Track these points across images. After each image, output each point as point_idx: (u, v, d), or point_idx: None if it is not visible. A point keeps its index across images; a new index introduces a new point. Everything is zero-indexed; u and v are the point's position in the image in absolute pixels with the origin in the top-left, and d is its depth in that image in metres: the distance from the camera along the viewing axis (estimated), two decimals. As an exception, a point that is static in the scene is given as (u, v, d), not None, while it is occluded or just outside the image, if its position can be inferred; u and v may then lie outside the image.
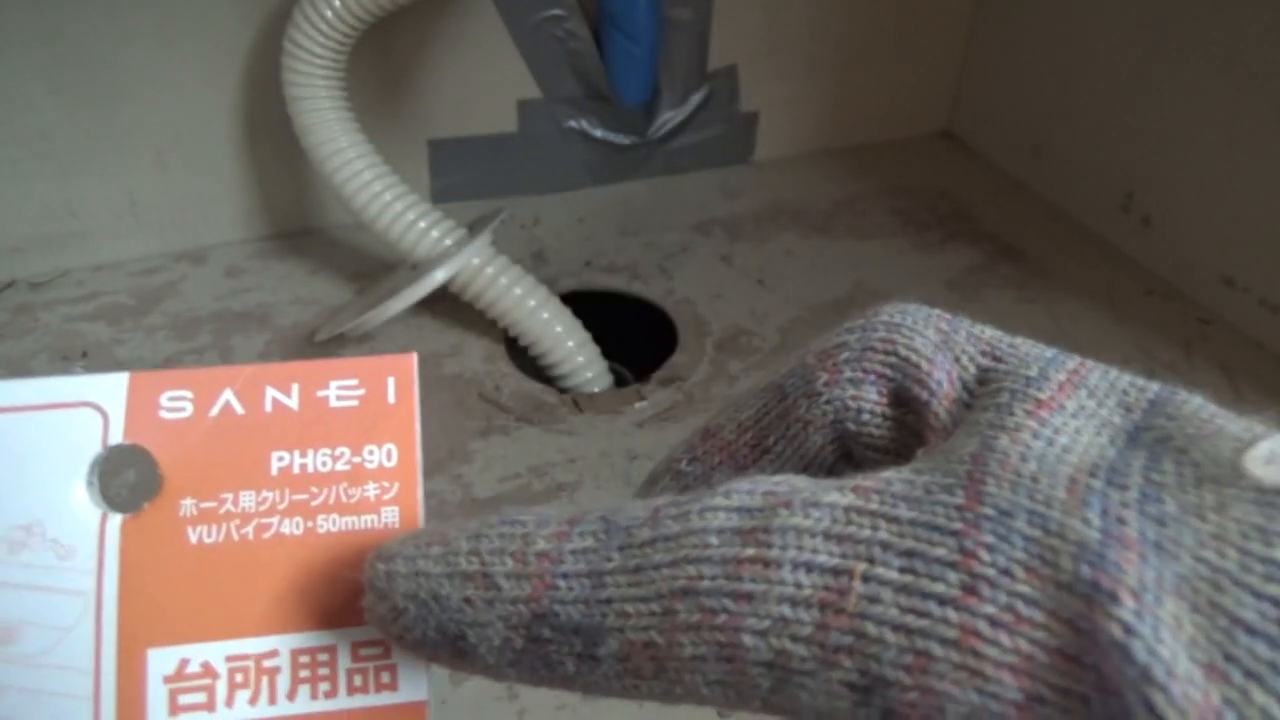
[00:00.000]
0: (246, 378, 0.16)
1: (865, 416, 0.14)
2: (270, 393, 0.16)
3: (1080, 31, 0.72)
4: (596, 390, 0.58)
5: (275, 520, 0.16)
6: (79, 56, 0.59)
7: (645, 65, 0.70)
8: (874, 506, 0.11)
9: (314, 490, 0.16)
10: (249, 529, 0.16)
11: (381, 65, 0.65)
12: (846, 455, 0.14)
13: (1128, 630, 0.09)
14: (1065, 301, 0.66)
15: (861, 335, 0.13)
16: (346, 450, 0.16)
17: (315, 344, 0.58)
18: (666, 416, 0.56)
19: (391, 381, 0.17)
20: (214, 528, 0.16)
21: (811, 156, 0.82)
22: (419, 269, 0.57)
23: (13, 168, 0.60)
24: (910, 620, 0.10)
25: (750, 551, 0.11)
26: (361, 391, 0.17)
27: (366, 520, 0.16)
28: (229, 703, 0.15)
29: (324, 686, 0.16)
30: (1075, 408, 0.12)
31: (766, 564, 0.11)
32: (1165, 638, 0.09)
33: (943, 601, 0.10)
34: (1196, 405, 0.13)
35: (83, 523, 0.16)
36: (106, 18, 0.58)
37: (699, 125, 0.77)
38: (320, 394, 0.17)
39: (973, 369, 0.13)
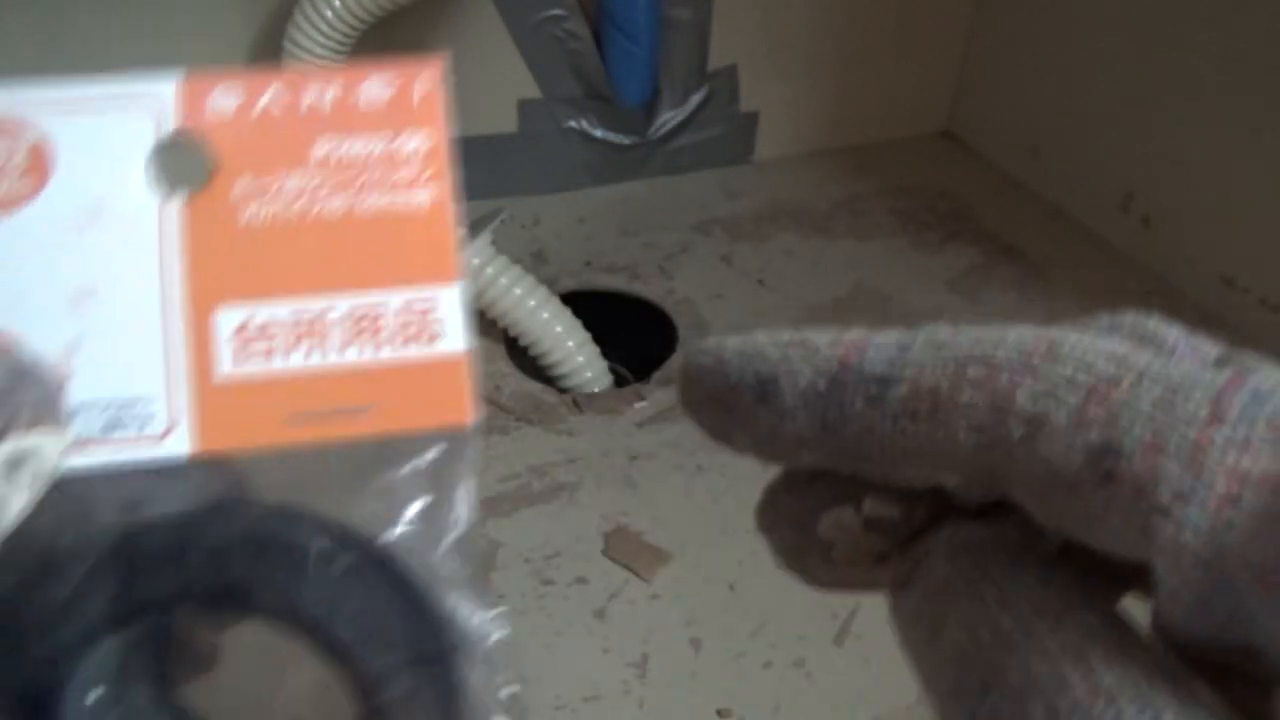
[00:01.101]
0: (290, 76, 0.18)
1: None
2: (312, 88, 0.18)
3: (1080, 32, 0.72)
4: (596, 390, 0.58)
5: (320, 200, 0.18)
6: (78, 57, 0.59)
7: (645, 65, 0.70)
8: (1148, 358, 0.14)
9: (353, 173, 0.18)
10: (296, 208, 0.18)
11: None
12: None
13: None
14: (1065, 301, 0.66)
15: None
16: (382, 139, 0.18)
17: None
18: (666, 416, 0.56)
19: (421, 80, 0.19)
20: (265, 205, 0.17)
21: (811, 156, 0.82)
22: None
23: (13, 168, 0.60)
24: (1159, 416, 0.13)
25: (1043, 347, 0.14)
26: (395, 88, 0.19)
27: (402, 199, 0.18)
28: (290, 353, 0.17)
29: (374, 339, 0.17)
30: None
31: (1054, 358, 0.14)
32: None
33: (1189, 421, 0.13)
34: None
35: (144, 205, 0.17)
36: (106, 18, 0.58)
37: (699, 125, 0.77)
38: (357, 90, 0.18)
39: None
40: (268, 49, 0.60)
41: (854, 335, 0.16)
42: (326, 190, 0.18)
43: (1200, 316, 0.65)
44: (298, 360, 0.17)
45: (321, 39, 0.54)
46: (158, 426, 0.17)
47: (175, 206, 0.17)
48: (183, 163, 0.18)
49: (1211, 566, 0.12)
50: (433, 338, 0.18)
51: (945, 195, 0.77)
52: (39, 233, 0.17)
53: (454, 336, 0.18)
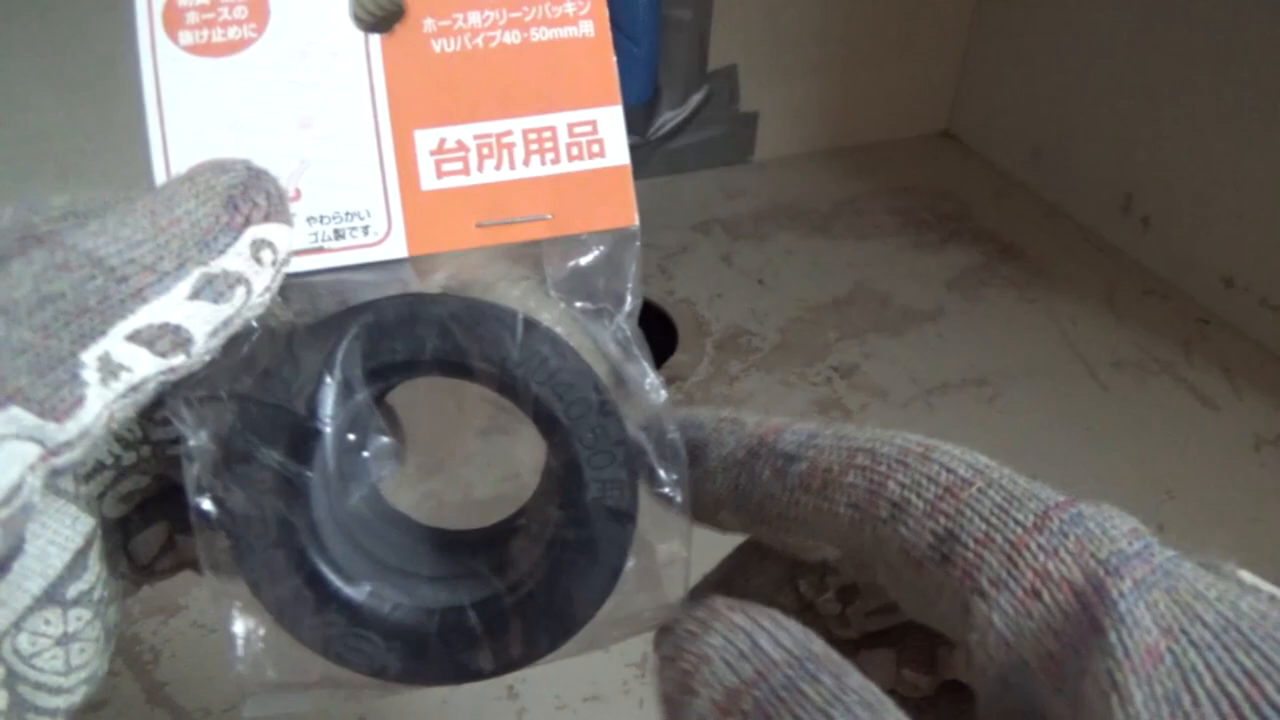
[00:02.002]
0: None
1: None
2: None
3: (1080, 32, 0.72)
4: (596, 390, 0.58)
5: (498, 33, 0.20)
6: (79, 56, 0.59)
7: (645, 65, 0.70)
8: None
9: (525, 8, 0.21)
10: (479, 39, 0.20)
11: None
12: None
13: (1121, 594, 0.14)
14: (1065, 301, 0.66)
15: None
16: None
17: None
18: (666, 416, 0.55)
19: None
20: (451, 40, 0.20)
21: (811, 156, 0.82)
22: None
23: (13, 168, 0.60)
24: (995, 517, 0.15)
25: (919, 450, 0.17)
26: None
27: (568, 30, 0.21)
28: (479, 168, 0.20)
29: (549, 155, 0.21)
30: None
31: (926, 459, 0.16)
32: (1143, 607, 0.14)
33: (1017, 525, 0.15)
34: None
35: (350, 39, 0.20)
36: (106, 18, 0.58)
37: (699, 125, 0.77)
38: None
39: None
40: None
41: (777, 421, 0.19)
42: (502, 25, 0.21)
43: (1200, 316, 0.65)
44: (487, 174, 0.21)
45: (321, 39, 0.54)
46: (376, 234, 0.20)
47: (376, 43, 0.20)
48: (379, 3, 0.21)
49: (1012, 648, 0.15)
50: (598, 153, 0.21)
51: (945, 195, 0.77)
52: (264, 71, 0.20)
53: (617, 151, 0.21)
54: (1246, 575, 0.16)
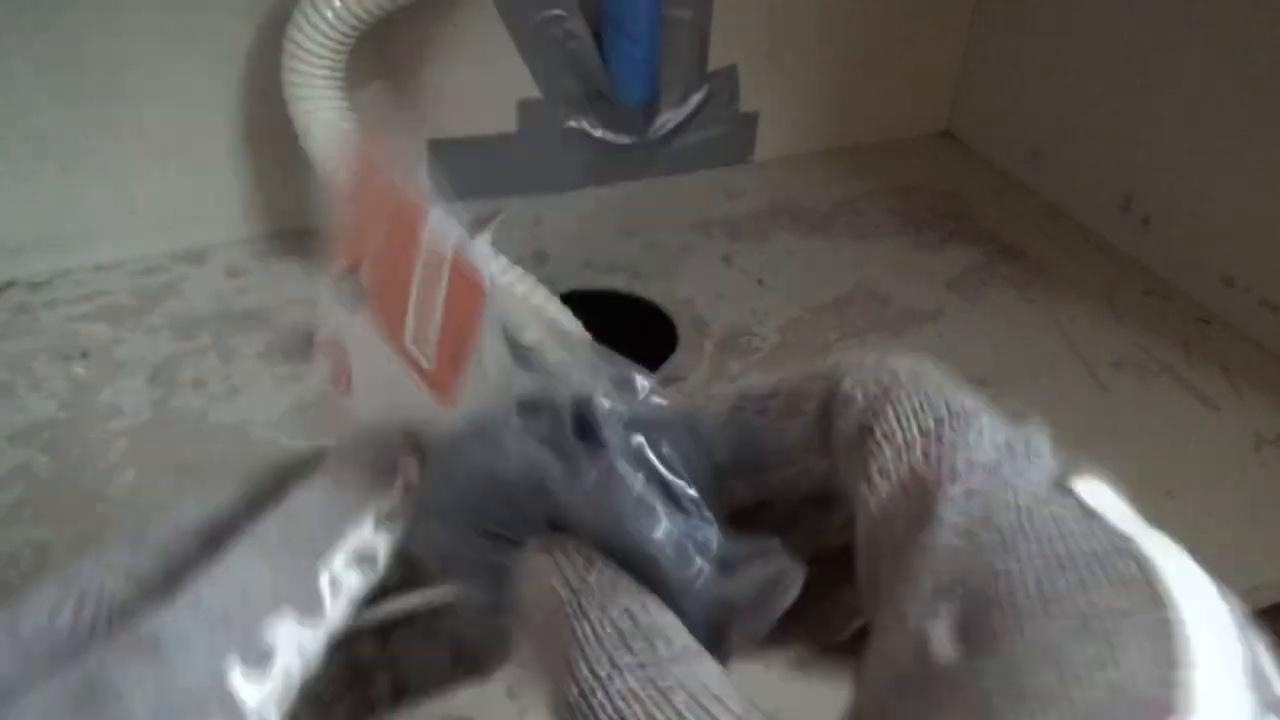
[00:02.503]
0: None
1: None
2: None
3: (1080, 32, 0.72)
4: (596, 390, 0.58)
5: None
6: (79, 57, 0.59)
7: (645, 65, 0.70)
8: None
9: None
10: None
11: (381, 65, 0.65)
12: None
13: (948, 498, 0.16)
14: (1065, 301, 0.66)
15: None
16: None
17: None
18: (666, 416, 0.55)
19: None
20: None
21: (811, 156, 0.82)
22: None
23: (13, 167, 0.60)
24: (907, 416, 0.18)
25: (874, 357, 0.19)
26: None
27: None
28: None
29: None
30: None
31: (879, 364, 0.19)
32: (955, 513, 0.16)
33: (921, 425, 0.18)
34: None
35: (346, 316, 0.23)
36: (107, 18, 0.58)
37: (699, 125, 0.77)
38: None
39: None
40: (268, 49, 0.60)
41: (742, 381, 0.21)
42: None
43: (1200, 316, 0.65)
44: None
45: (322, 39, 0.54)
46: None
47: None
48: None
49: (880, 523, 0.17)
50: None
51: (945, 195, 0.77)
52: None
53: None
54: (1092, 494, 0.16)
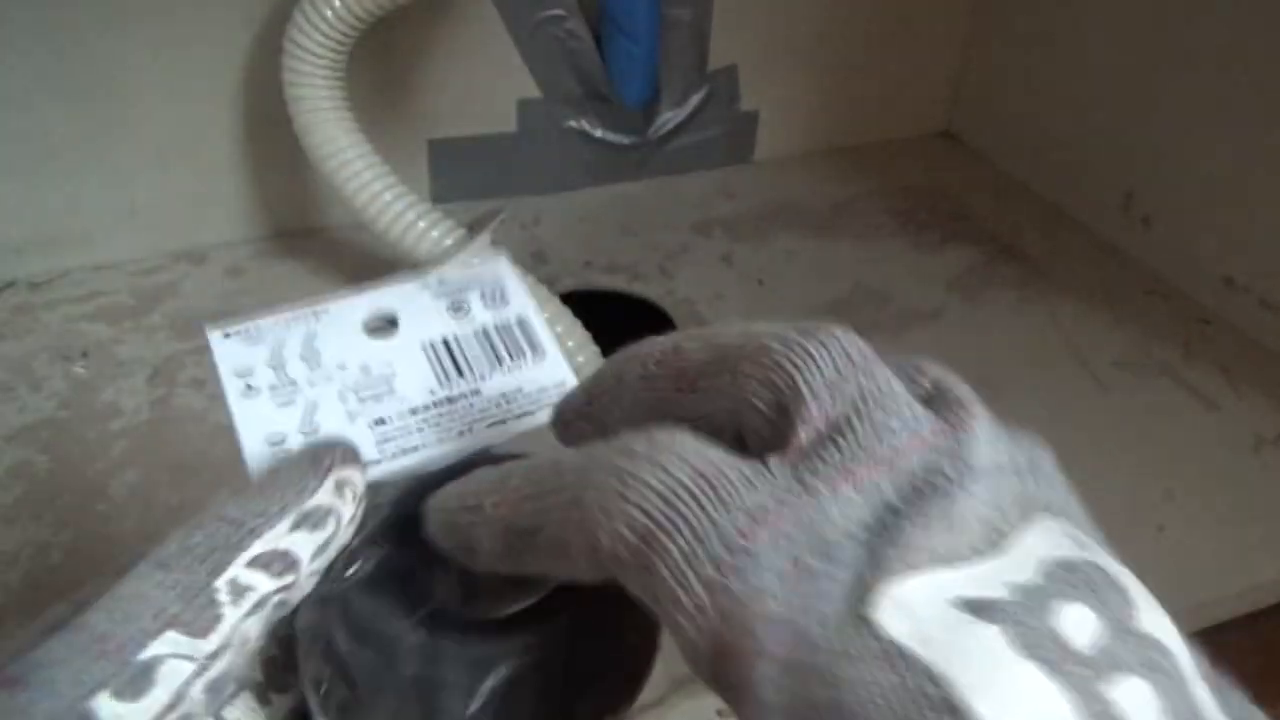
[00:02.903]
0: None
1: (756, 420, 0.18)
2: None
3: (1080, 32, 0.72)
4: (596, 390, 0.58)
5: None
6: (79, 57, 0.59)
7: (645, 65, 0.70)
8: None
9: None
10: None
11: (381, 65, 0.65)
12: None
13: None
14: (1065, 301, 0.66)
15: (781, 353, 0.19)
16: None
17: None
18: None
19: None
20: None
21: (811, 156, 0.82)
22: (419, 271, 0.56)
23: (13, 167, 0.60)
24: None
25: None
26: None
27: None
28: None
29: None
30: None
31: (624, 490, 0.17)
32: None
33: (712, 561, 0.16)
34: None
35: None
36: (107, 18, 0.58)
37: (699, 125, 0.77)
38: None
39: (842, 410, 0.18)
40: (268, 49, 0.60)
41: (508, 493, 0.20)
42: None
43: (1200, 316, 0.65)
44: None
45: (321, 39, 0.54)
46: None
47: None
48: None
49: (700, 668, 0.16)
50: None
51: (945, 195, 0.77)
52: None
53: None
54: (895, 613, 0.15)
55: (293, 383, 0.26)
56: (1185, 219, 0.67)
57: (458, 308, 0.27)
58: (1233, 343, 0.63)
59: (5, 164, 0.60)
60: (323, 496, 0.21)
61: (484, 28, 0.66)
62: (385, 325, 0.27)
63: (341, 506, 0.21)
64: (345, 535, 0.22)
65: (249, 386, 0.26)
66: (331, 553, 0.21)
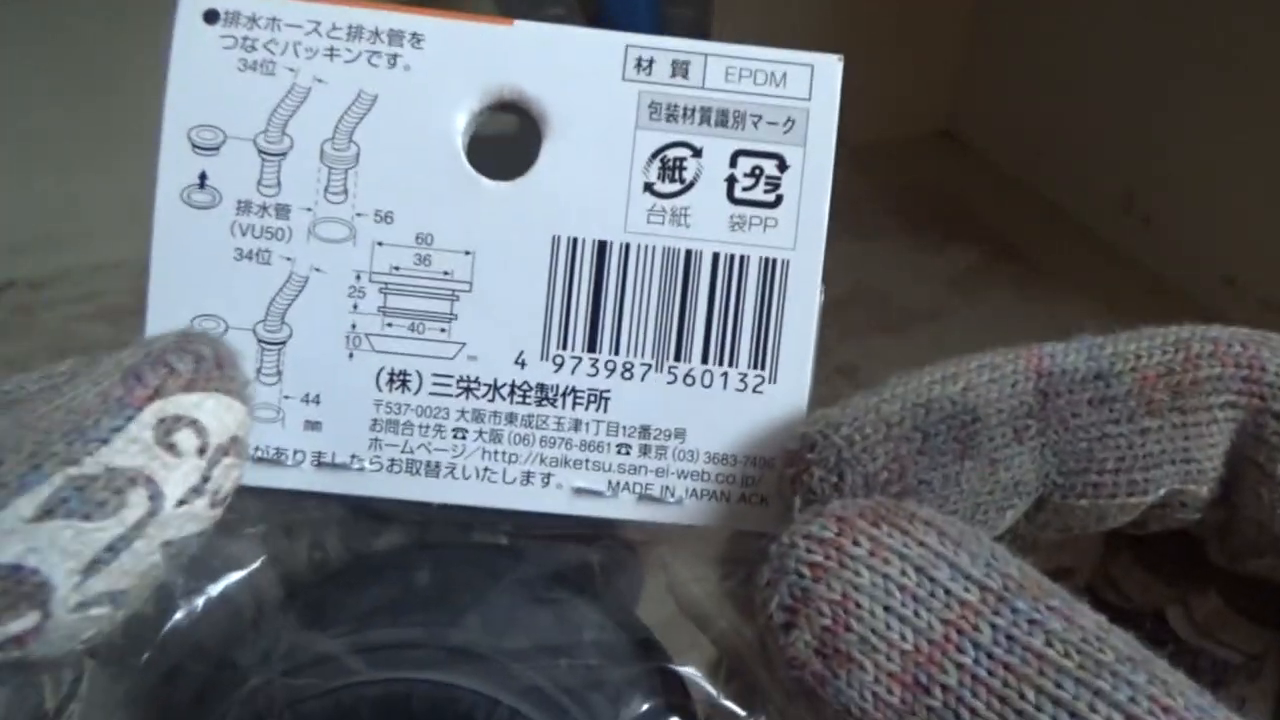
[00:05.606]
0: None
1: None
2: None
3: (1080, 31, 0.72)
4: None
5: None
6: (79, 56, 0.59)
7: (645, 65, 0.70)
8: None
9: None
10: None
11: (381, 65, 0.65)
12: None
13: None
14: (1065, 301, 0.66)
15: None
16: None
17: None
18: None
19: None
20: None
21: (811, 156, 0.82)
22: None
23: (13, 167, 0.60)
24: None
25: (1258, 333, 0.14)
26: None
27: None
28: None
29: None
30: None
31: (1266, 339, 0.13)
32: None
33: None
34: None
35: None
36: (106, 17, 0.58)
37: (699, 125, 0.77)
38: None
39: None
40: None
41: (1033, 346, 0.14)
42: None
43: (1200, 316, 0.65)
44: None
45: (321, 39, 0.54)
46: None
47: None
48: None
49: None
50: None
51: (945, 195, 0.77)
52: None
53: None
54: None
55: (283, 211, 0.14)
56: (1185, 219, 0.66)
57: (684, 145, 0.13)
58: (1233, 342, 0.63)
59: (5, 164, 0.60)
60: (123, 448, 0.10)
61: (484, 28, 0.66)
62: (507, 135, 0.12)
63: (166, 469, 0.11)
64: (173, 530, 0.11)
65: (201, 183, 0.14)
66: (140, 566, 0.11)
